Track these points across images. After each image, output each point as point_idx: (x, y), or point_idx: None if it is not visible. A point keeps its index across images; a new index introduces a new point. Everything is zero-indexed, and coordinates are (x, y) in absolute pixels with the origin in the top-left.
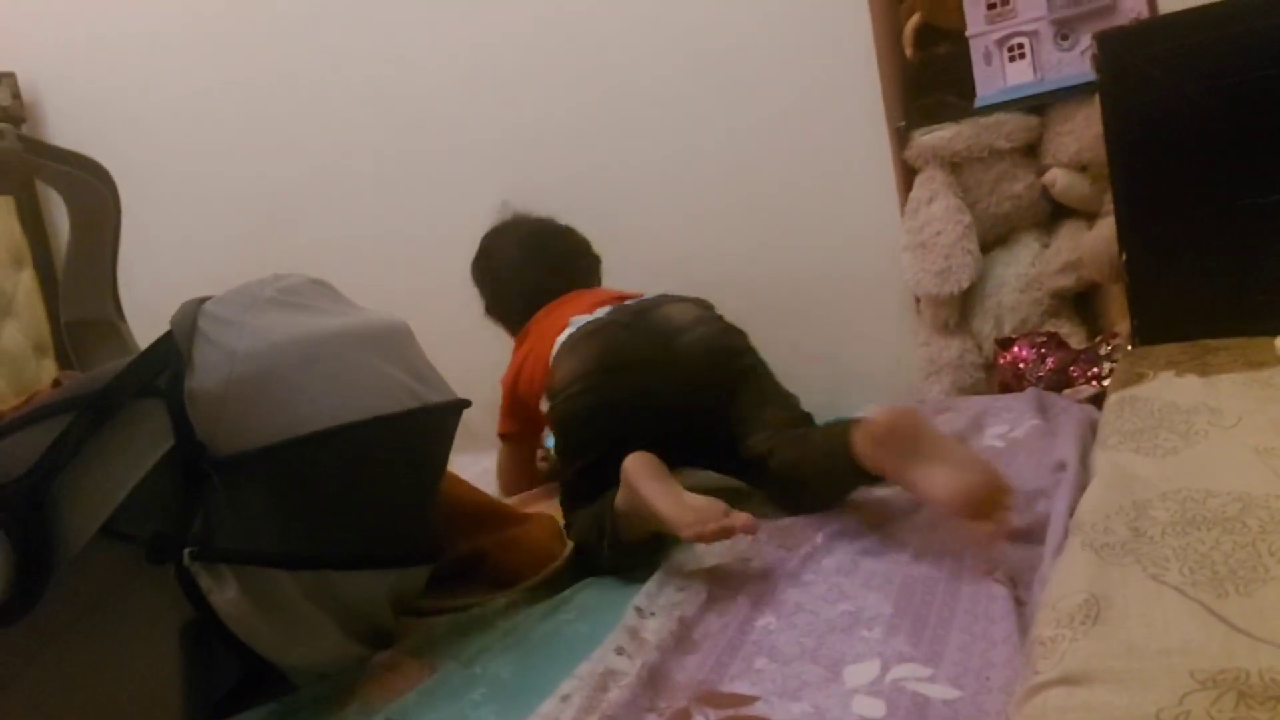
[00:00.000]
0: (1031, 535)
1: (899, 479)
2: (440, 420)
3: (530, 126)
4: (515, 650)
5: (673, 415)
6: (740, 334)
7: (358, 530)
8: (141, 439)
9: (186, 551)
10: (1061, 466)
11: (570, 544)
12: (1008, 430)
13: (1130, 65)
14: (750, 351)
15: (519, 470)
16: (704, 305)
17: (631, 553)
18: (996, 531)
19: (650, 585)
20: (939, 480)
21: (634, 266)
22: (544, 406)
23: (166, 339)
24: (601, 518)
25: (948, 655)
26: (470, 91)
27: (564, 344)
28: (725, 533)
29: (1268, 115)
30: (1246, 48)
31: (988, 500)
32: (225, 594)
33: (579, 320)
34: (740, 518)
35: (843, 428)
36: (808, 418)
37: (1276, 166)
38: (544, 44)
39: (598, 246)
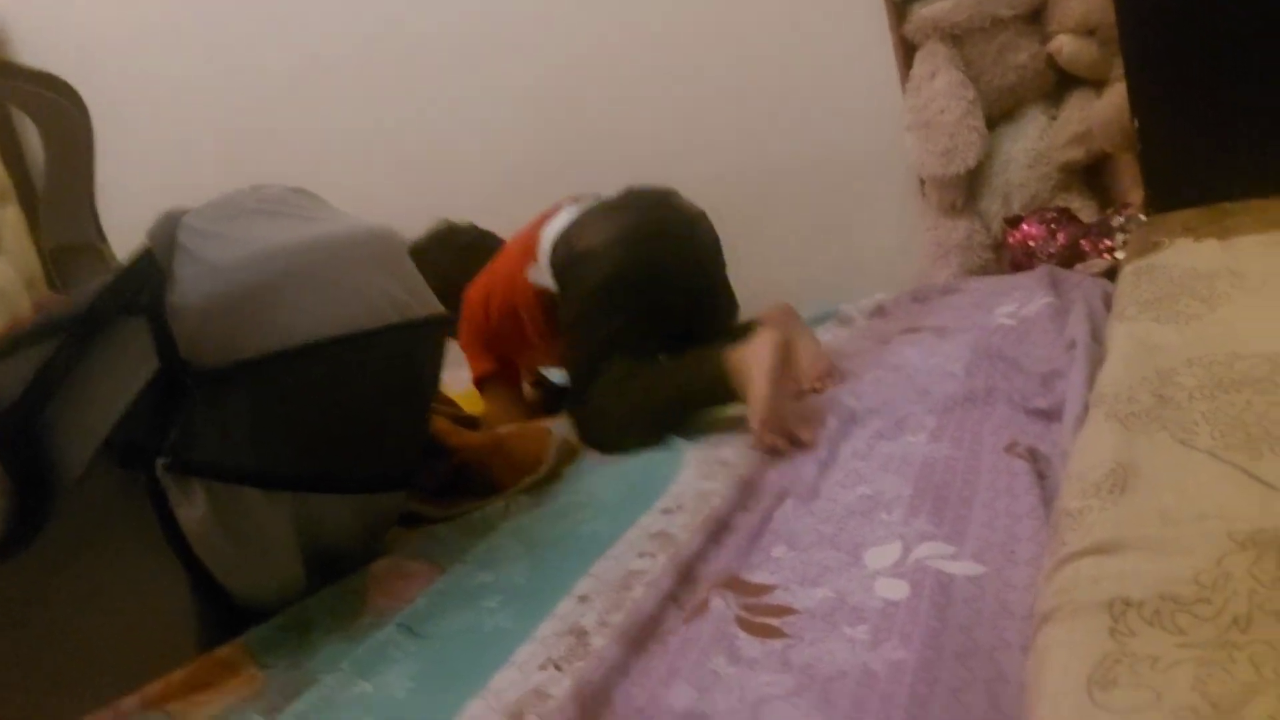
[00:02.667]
0: (1051, 415)
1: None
2: (428, 335)
3: (519, 17)
4: (528, 553)
5: (686, 294)
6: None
7: (339, 450)
8: (128, 360)
9: (160, 462)
10: (1073, 344)
11: (555, 449)
12: (1017, 309)
13: None
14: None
15: (513, 411)
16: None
17: (656, 424)
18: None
19: (672, 483)
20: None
21: (633, 154)
22: (545, 280)
23: (145, 254)
24: (651, 378)
25: (971, 532)
26: None
27: (580, 218)
28: (801, 437)
29: None
30: None
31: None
32: (193, 509)
33: (574, 208)
34: (809, 434)
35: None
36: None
37: None
38: None
39: (595, 138)
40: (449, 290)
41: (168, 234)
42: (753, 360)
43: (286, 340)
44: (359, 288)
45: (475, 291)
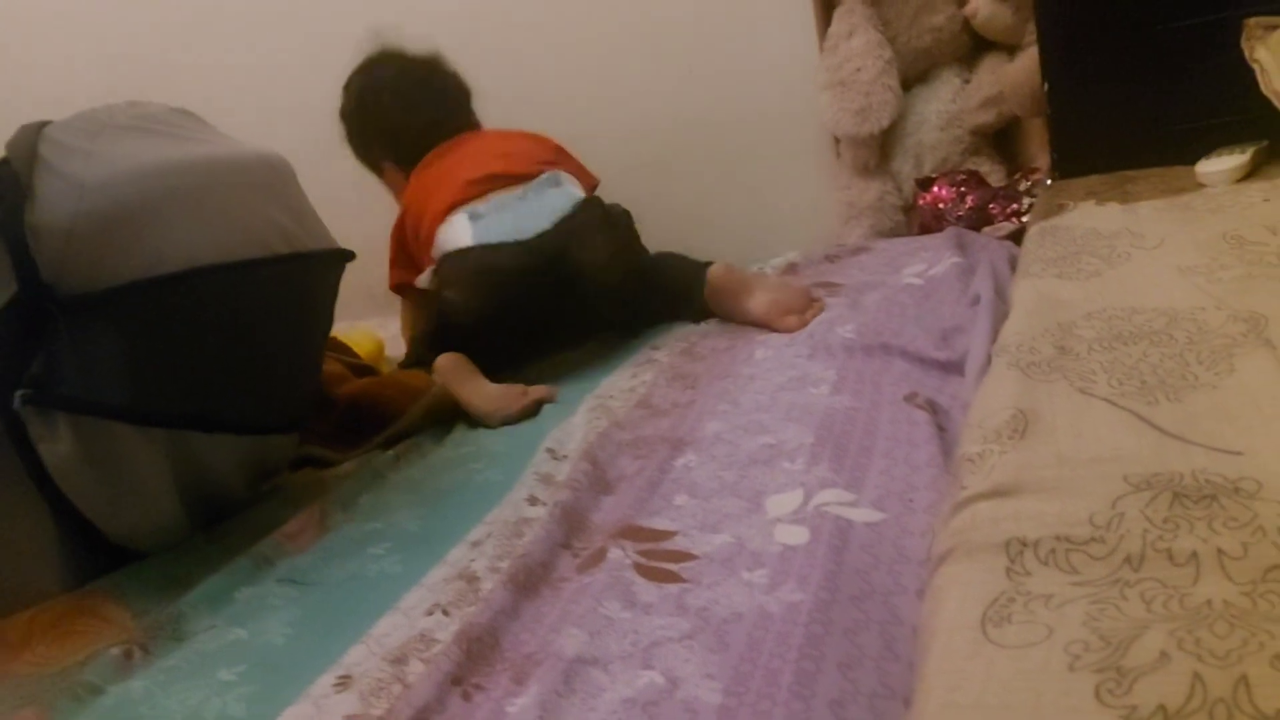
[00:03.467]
0: (949, 367)
1: (741, 316)
2: (320, 271)
3: None
4: (420, 503)
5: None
6: (637, 247)
7: (219, 388)
8: None
9: (18, 394)
10: (977, 299)
11: (432, 394)
12: (925, 269)
13: None
14: (643, 252)
15: (418, 323)
16: (611, 224)
17: None
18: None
19: (560, 429)
20: (759, 301)
21: (544, 106)
22: (425, 281)
23: (2, 167)
24: None
25: (870, 480)
26: None
27: (453, 256)
28: (529, 408)
29: None
30: None
31: (793, 303)
32: (56, 445)
33: (473, 213)
34: (537, 390)
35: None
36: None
37: None
38: None
39: (503, 86)
40: (357, 130)
41: (27, 147)
42: (442, 377)
43: (161, 266)
44: (243, 215)
45: (404, 205)
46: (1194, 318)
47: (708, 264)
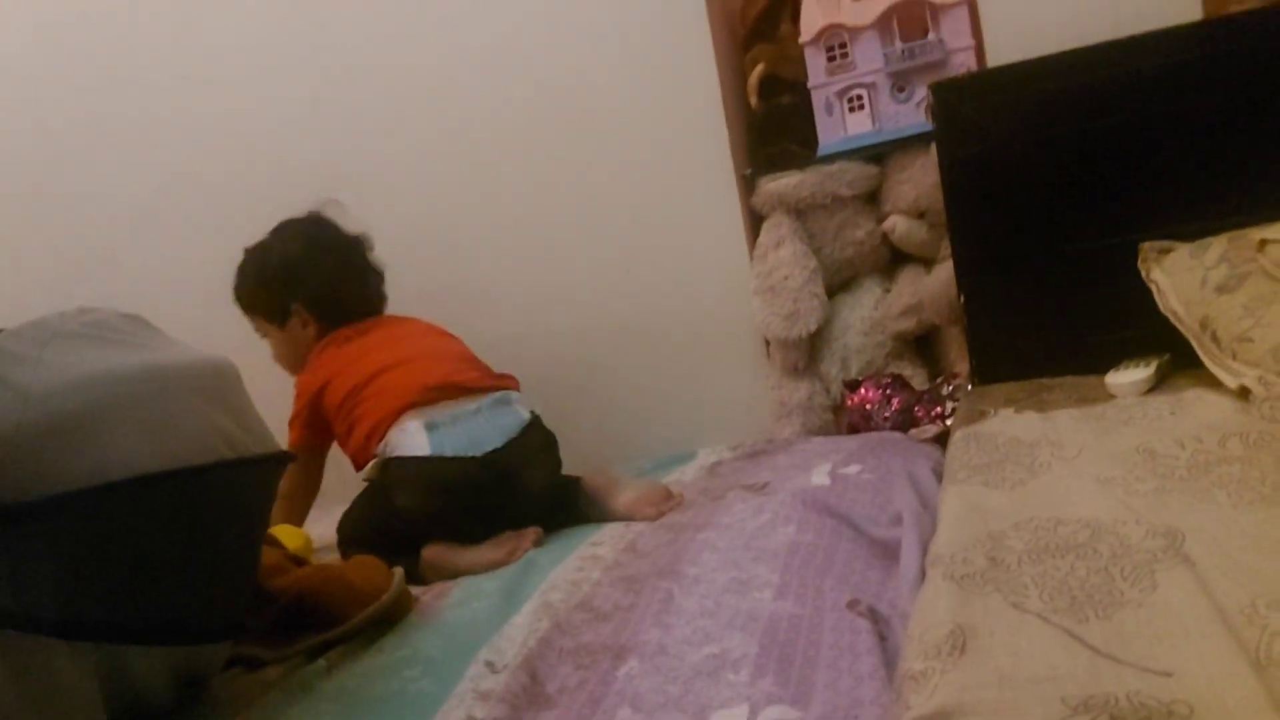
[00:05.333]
0: (887, 569)
1: (609, 514)
2: (262, 474)
3: (381, 165)
4: (350, 715)
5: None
6: (570, 479)
7: (157, 596)
8: None
9: None
10: (898, 518)
11: (399, 576)
12: (832, 468)
13: (962, 115)
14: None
15: (309, 485)
16: (552, 453)
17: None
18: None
19: (498, 636)
20: (623, 499)
21: (488, 307)
22: (369, 473)
23: None
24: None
25: (816, 695)
26: (312, 124)
27: (408, 461)
28: (525, 549)
29: (1091, 164)
30: (1069, 101)
31: (652, 497)
32: None
33: (430, 422)
34: (529, 534)
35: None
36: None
37: (1101, 213)
38: (393, 87)
39: (451, 285)
40: (292, 270)
41: None
42: (437, 561)
43: (101, 475)
44: (188, 421)
45: (322, 368)
46: (1115, 531)
47: (578, 477)
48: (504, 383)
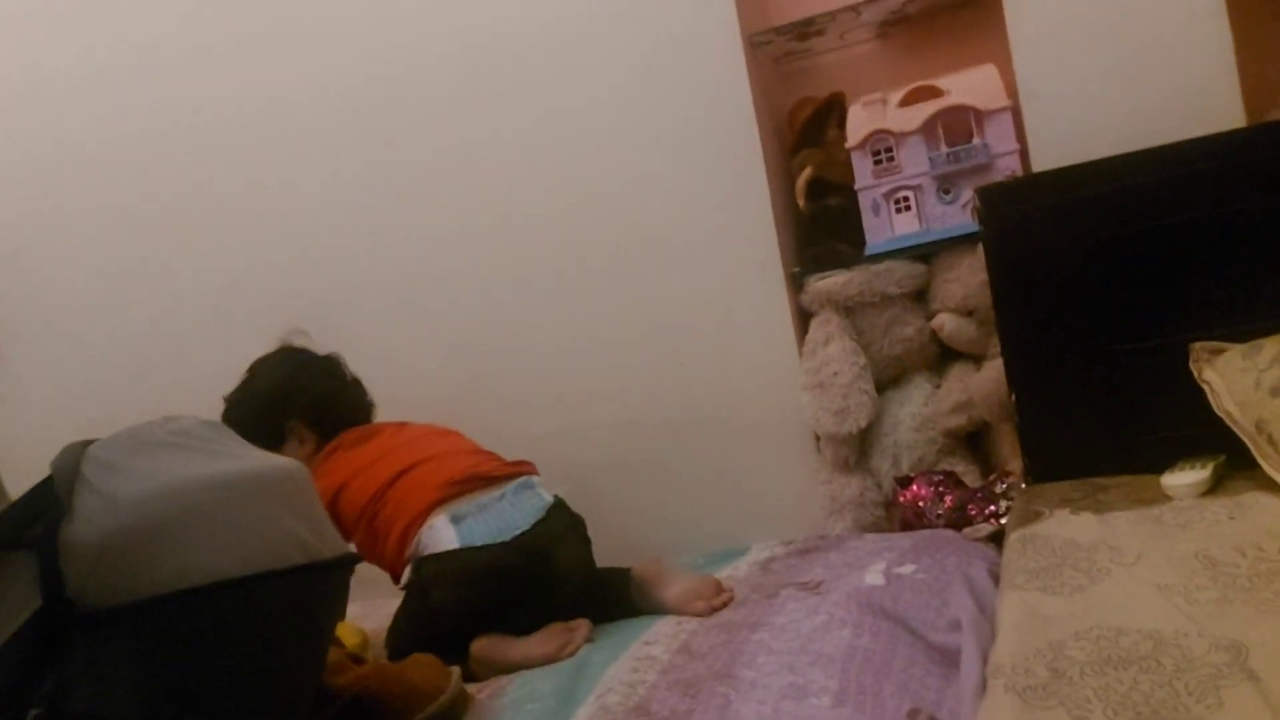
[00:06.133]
0: (946, 675)
1: (659, 606)
2: (332, 577)
3: (435, 267)
4: None
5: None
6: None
7: (230, 697)
8: (9, 598)
9: (31, 713)
10: (956, 624)
11: (456, 675)
12: (887, 568)
13: (1009, 217)
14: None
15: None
16: (580, 533)
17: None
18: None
19: None
20: (674, 591)
21: (544, 401)
22: (405, 579)
23: (45, 484)
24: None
25: None
26: (371, 230)
27: (440, 558)
28: (577, 644)
29: (1137, 265)
30: (1114, 204)
31: (703, 591)
32: None
33: (454, 514)
34: (580, 626)
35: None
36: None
37: (1148, 314)
38: (430, 187)
39: (507, 387)
40: (282, 390)
41: (71, 465)
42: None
43: (182, 581)
44: (264, 527)
45: (336, 474)
46: (1178, 643)
47: (628, 568)
48: (523, 469)
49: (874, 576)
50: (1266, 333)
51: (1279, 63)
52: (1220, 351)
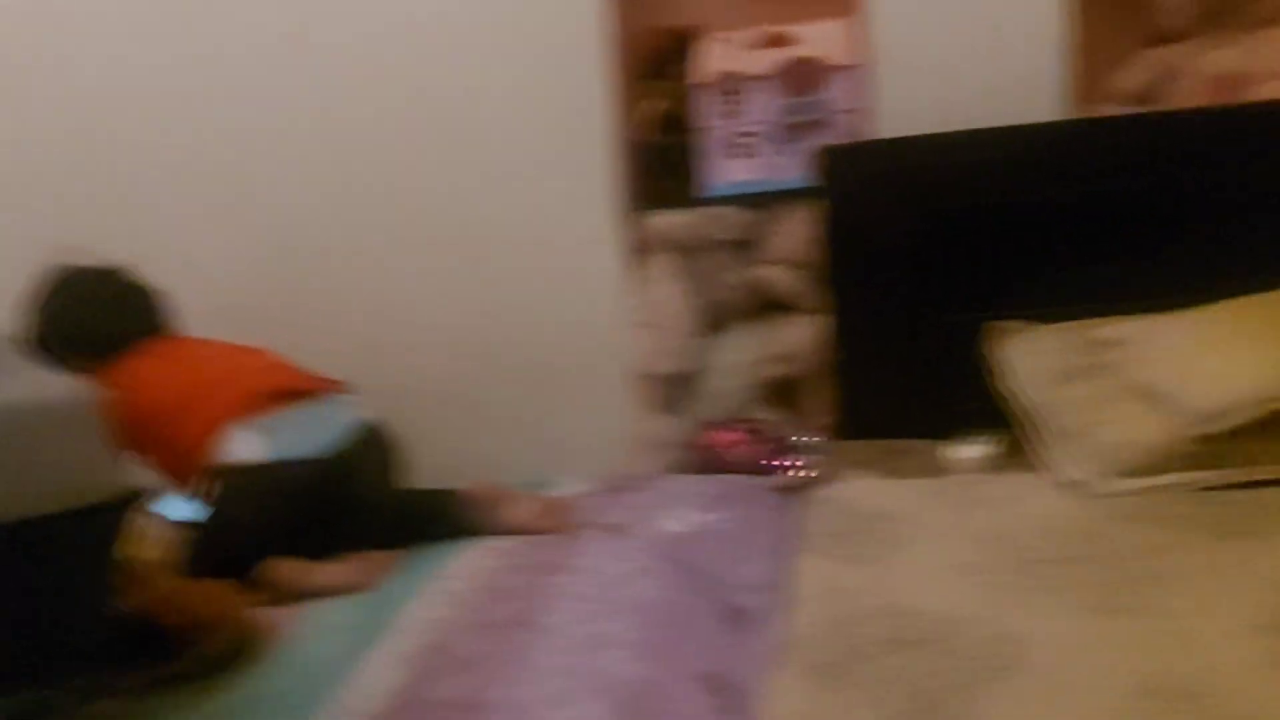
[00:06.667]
0: (745, 630)
1: (501, 525)
2: (113, 517)
3: (237, 161)
4: None
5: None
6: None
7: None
8: None
9: None
10: (756, 587)
11: (242, 607)
12: (690, 515)
13: (851, 179)
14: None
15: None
16: (388, 456)
17: None
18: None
19: (354, 677)
20: (521, 510)
21: (358, 313)
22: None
23: None
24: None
25: None
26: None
27: (243, 471)
28: (377, 576)
29: (968, 241)
30: (954, 178)
31: (552, 510)
32: None
33: (262, 426)
34: (385, 560)
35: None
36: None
37: (973, 288)
38: (250, 78)
39: (321, 297)
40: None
41: None
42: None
43: None
44: (39, 469)
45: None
46: (968, 631)
47: (451, 489)
48: (335, 386)
49: (678, 523)
50: (1073, 318)
51: (1110, 65)
52: (1016, 332)
